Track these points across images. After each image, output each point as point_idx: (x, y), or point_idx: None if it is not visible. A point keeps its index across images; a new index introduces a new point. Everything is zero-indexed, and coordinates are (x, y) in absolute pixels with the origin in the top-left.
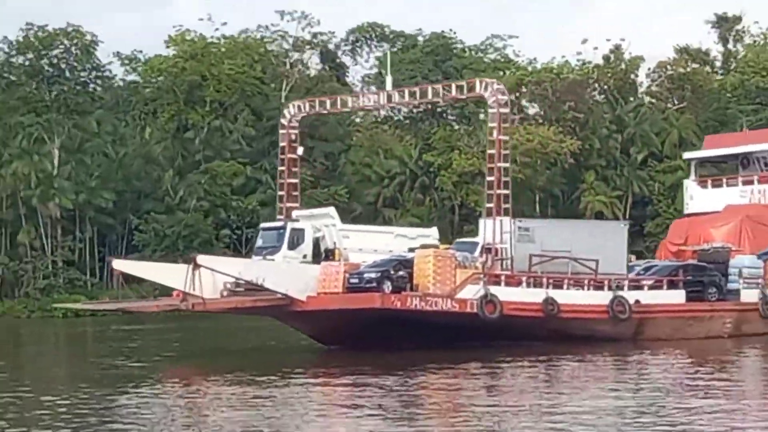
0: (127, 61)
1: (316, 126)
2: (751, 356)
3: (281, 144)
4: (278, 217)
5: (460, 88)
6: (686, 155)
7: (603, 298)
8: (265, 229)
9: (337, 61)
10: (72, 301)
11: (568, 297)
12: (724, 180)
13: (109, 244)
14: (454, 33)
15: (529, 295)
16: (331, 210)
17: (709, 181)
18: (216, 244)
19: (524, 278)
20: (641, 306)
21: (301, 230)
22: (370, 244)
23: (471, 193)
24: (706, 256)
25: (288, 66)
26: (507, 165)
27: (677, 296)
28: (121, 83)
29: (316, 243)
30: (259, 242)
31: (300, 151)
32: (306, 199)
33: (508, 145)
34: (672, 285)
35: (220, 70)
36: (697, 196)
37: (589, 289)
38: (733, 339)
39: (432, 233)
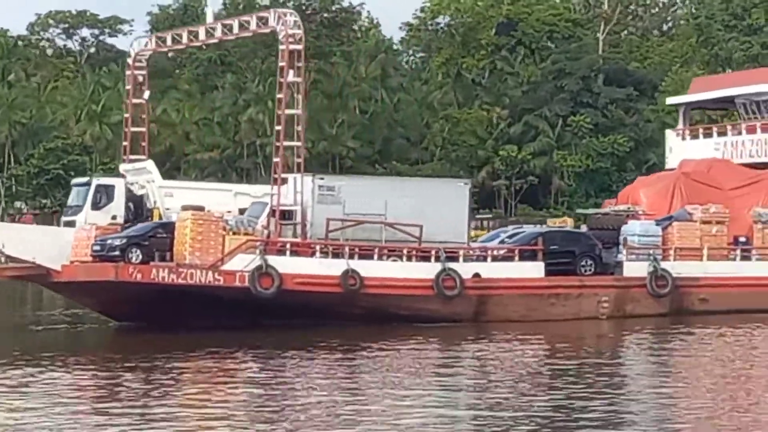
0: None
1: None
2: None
3: (127, 87)
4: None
5: (261, 19)
6: (670, 100)
7: (427, 271)
8: (75, 186)
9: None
10: None
11: (376, 269)
12: (701, 130)
13: None
14: None
15: (324, 267)
16: (149, 163)
17: (687, 132)
18: None
19: (318, 247)
20: (481, 281)
21: (110, 187)
22: (202, 204)
23: None
24: (596, 221)
25: (606, 6)
26: (299, 112)
27: (532, 269)
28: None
29: (140, 202)
30: (69, 200)
31: (146, 95)
32: (583, 148)
33: (302, 87)
34: (529, 256)
35: (529, 10)
36: (677, 149)
37: (410, 260)
38: (612, 321)
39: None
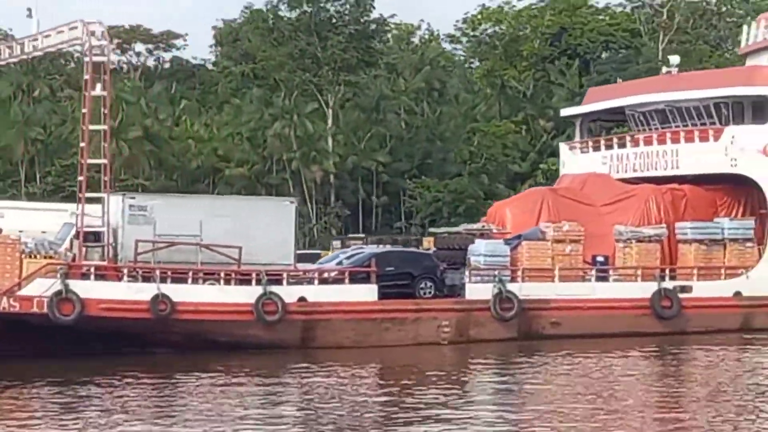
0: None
1: None
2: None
3: None
4: None
5: (72, 29)
6: (564, 111)
7: (247, 294)
8: None
9: None
10: None
11: (190, 294)
12: (590, 143)
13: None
14: None
15: (132, 292)
16: None
17: (578, 145)
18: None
19: (126, 270)
20: (307, 305)
21: None
22: (37, 224)
23: None
24: (442, 241)
25: (665, 16)
26: (104, 127)
27: (364, 292)
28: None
29: None
30: None
31: None
32: None
33: (107, 102)
34: (361, 278)
35: (584, 20)
36: (569, 163)
37: (228, 283)
38: (454, 346)
39: None
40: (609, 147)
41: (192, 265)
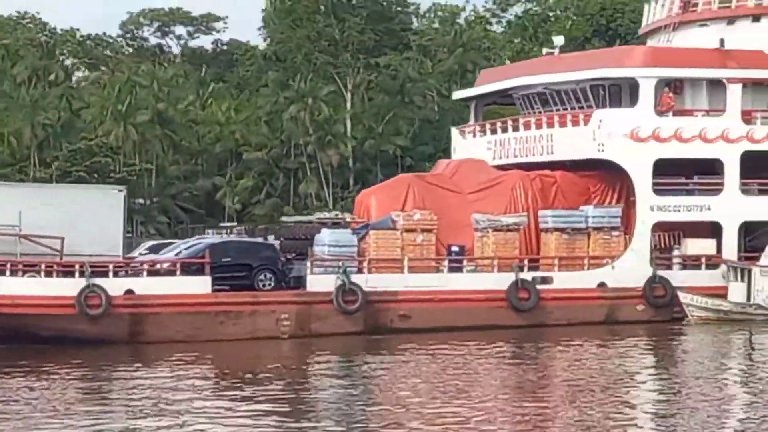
0: None
1: None
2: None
3: None
4: None
5: None
6: (456, 94)
7: (69, 287)
8: None
9: None
10: None
11: (5, 286)
12: (476, 128)
13: None
14: None
15: None
16: None
17: (466, 129)
18: None
19: None
20: (134, 298)
21: None
22: None
23: None
24: (287, 231)
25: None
26: None
27: (196, 284)
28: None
29: None
30: None
31: None
32: None
33: None
34: (193, 270)
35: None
36: (459, 148)
37: (50, 275)
38: (295, 341)
39: None
40: (494, 132)
41: (10, 257)
